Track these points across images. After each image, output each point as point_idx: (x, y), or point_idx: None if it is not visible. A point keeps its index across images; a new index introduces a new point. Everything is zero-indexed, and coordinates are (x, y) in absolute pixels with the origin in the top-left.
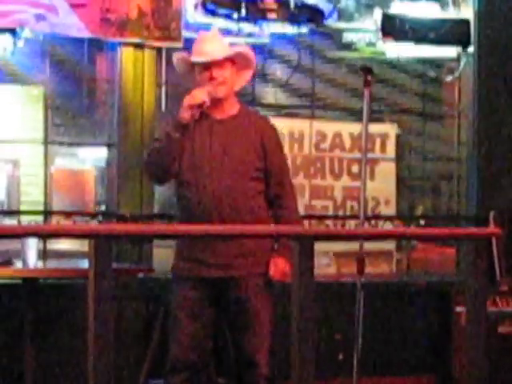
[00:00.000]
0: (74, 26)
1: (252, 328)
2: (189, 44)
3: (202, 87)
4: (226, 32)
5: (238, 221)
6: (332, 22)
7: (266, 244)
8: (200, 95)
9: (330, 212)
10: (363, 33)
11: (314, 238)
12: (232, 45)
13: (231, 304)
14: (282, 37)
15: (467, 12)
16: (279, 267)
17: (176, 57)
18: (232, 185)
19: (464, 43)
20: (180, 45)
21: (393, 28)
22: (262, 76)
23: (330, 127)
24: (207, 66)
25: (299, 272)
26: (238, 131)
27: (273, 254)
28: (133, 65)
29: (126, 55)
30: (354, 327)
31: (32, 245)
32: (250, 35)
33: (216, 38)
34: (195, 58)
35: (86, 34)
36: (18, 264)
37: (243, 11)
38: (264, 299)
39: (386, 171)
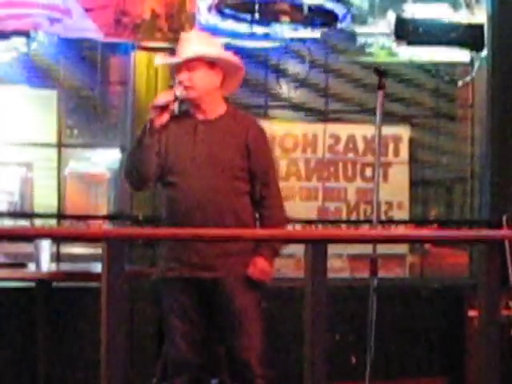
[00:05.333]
0: (87, 28)
1: (240, 328)
2: None
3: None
4: (240, 34)
5: (220, 221)
6: (345, 25)
7: (248, 245)
8: (163, 97)
9: (344, 214)
10: (376, 36)
11: (327, 240)
12: (217, 47)
13: (217, 304)
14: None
15: (481, 15)
16: (258, 266)
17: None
18: (215, 185)
19: (477, 47)
20: None
21: (406, 31)
22: (276, 77)
23: (343, 130)
24: (178, 68)
25: (312, 275)
26: (221, 132)
27: (253, 254)
28: (146, 67)
29: (140, 58)
30: (367, 330)
31: (45, 248)
32: (264, 37)
33: (191, 40)
34: (157, 60)
35: (99, 36)
36: (32, 267)
37: (256, 14)
38: (250, 299)
39: (399, 174)
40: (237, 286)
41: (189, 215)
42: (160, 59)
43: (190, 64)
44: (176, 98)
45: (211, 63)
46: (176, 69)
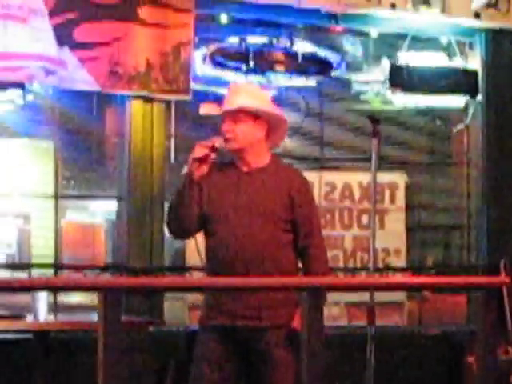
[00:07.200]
0: (82, 79)
1: (275, 381)
2: (197, 96)
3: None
4: None
5: (262, 272)
6: (340, 73)
7: (291, 295)
8: (201, 150)
9: (341, 262)
10: (371, 84)
11: (325, 288)
12: (266, 100)
13: (254, 356)
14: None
15: (474, 62)
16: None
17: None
18: (257, 235)
19: (472, 93)
20: (188, 97)
21: (401, 78)
22: None
23: (339, 178)
24: (223, 118)
25: (309, 322)
26: (265, 183)
27: (298, 306)
28: (142, 118)
29: (135, 108)
30: (365, 378)
31: (42, 298)
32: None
33: (240, 91)
34: (201, 109)
35: (94, 87)
36: (29, 318)
37: (251, 63)
38: (288, 352)
39: (396, 221)
40: (278, 338)
41: (230, 264)
42: (204, 109)
43: (234, 115)
44: (215, 149)
45: (256, 115)
46: (221, 118)
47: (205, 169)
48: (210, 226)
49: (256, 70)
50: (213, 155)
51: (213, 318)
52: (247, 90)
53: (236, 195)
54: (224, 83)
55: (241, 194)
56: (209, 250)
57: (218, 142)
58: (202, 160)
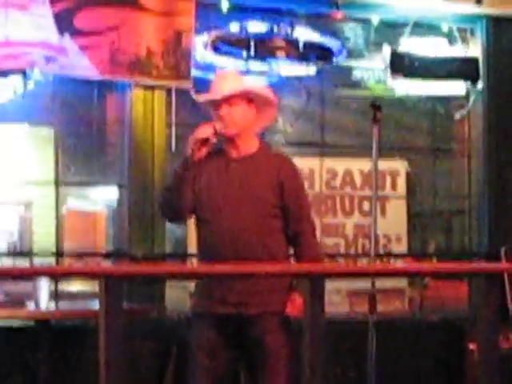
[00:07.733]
0: (83, 67)
1: (268, 367)
2: (198, 83)
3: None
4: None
5: (252, 258)
6: (341, 60)
7: (283, 281)
8: (204, 131)
9: (342, 249)
10: (372, 70)
11: (325, 275)
12: (252, 84)
13: (248, 343)
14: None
15: (476, 49)
16: (296, 304)
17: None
18: (247, 222)
19: (473, 80)
20: (189, 84)
21: (402, 65)
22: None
23: (340, 165)
24: (217, 104)
25: (310, 310)
26: (254, 169)
27: (290, 291)
28: (143, 105)
29: (136, 95)
30: (367, 365)
31: (44, 286)
32: (259, 74)
33: (229, 77)
34: (198, 97)
35: (95, 75)
36: (30, 306)
37: (252, 50)
38: (281, 338)
39: (397, 208)
40: (270, 324)
41: (220, 252)
42: (199, 96)
43: (230, 100)
44: (216, 133)
45: (249, 99)
46: (214, 105)
47: (204, 151)
48: (200, 213)
49: (257, 57)
50: (213, 138)
51: (205, 305)
52: (235, 77)
53: (225, 182)
54: None
55: (230, 181)
56: (200, 238)
57: (218, 125)
58: (202, 142)
